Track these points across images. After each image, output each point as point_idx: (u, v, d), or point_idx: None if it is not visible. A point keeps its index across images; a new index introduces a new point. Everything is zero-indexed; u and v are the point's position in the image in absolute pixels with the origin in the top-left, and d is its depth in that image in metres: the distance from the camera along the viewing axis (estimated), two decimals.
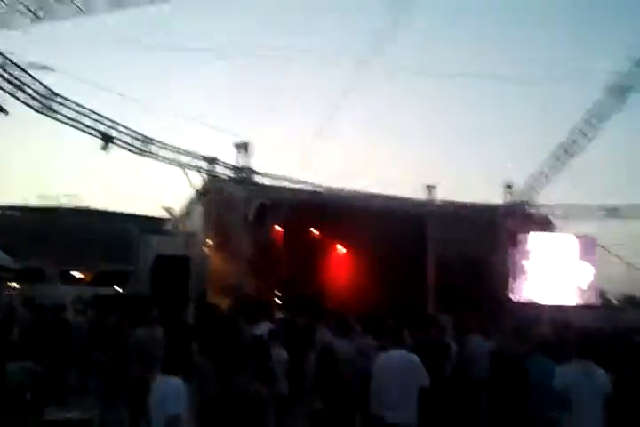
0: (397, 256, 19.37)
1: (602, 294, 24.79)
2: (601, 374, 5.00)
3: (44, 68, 9.65)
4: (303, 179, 18.33)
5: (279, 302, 17.59)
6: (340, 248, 22.09)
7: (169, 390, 4.24)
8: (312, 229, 20.96)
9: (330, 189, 19.31)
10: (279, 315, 12.92)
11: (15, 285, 19.61)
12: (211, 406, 4.48)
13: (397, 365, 5.93)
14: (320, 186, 19.06)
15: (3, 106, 9.22)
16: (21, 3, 9.57)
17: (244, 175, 17.03)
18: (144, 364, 7.45)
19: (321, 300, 18.73)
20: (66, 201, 40.71)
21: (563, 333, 10.87)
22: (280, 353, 7.54)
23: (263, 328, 8.91)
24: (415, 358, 6.06)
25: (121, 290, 25.29)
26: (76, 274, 31.16)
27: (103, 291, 22.52)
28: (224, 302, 15.76)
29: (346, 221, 19.69)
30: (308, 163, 14.67)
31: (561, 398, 4.87)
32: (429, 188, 22.71)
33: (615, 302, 39.87)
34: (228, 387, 4.35)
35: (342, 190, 20.02)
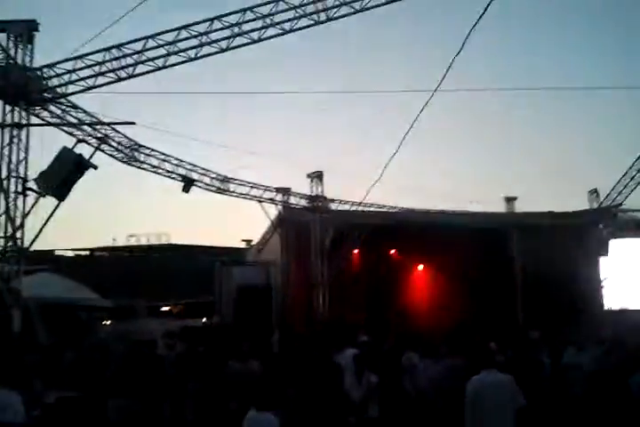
0: (482, 272, 18.96)
1: None
2: None
3: (127, 123, 10.37)
4: (377, 202, 18.41)
5: (362, 325, 17.52)
6: (421, 268, 21.85)
7: None
8: (390, 250, 20.90)
9: (405, 210, 19.27)
10: (363, 338, 12.87)
11: (108, 322, 20.48)
12: None
13: (492, 387, 5.80)
14: (395, 207, 19.07)
15: (92, 162, 10.00)
16: (104, 65, 10.36)
17: (318, 204, 17.34)
18: (240, 397, 7.64)
19: (404, 321, 18.55)
20: (153, 239, 42.67)
21: None
22: (369, 377, 7.56)
23: (348, 354, 8.93)
24: (509, 378, 5.90)
25: (206, 321, 26.08)
26: (164, 308, 32.37)
27: (190, 323, 23.33)
28: (307, 329, 15.93)
29: (424, 240, 19.46)
30: (381, 187, 14.78)
31: None
32: (509, 200, 22.22)
33: None
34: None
35: (418, 210, 19.89)
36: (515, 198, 22.49)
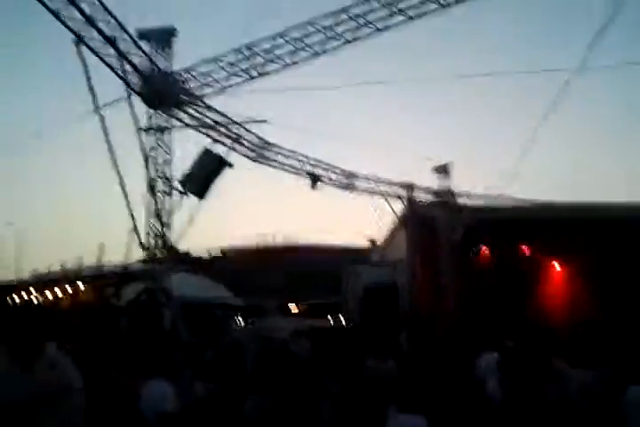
0: (627, 271, 17.41)
1: None
2: None
3: (259, 121, 10.65)
4: (507, 195, 17.55)
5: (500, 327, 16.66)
6: (557, 265, 20.48)
7: None
8: (522, 247, 19.79)
9: (539, 203, 18.19)
10: (509, 343, 12.25)
11: (240, 320, 21.21)
12: None
13: None
14: (527, 201, 18.07)
15: (227, 160, 10.40)
16: (236, 66, 10.72)
17: (445, 199, 16.83)
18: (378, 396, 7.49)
19: (540, 323, 17.45)
20: (280, 239, 43.98)
21: None
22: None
23: (488, 357, 8.61)
24: None
25: (332, 321, 26.30)
26: (292, 307, 33.16)
27: (316, 323, 23.62)
28: (437, 329, 15.45)
29: (562, 235, 18.19)
30: (512, 179, 14.04)
31: None
32: None
33: None
34: None
35: (553, 203, 18.72)
36: None
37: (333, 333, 19.43)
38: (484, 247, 17.94)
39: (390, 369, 7.97)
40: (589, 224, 17.22)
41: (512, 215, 17.50)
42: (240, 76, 10.86)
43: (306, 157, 14.18)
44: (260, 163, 13.57)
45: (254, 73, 10.76)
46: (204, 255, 42.31)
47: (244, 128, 12.59)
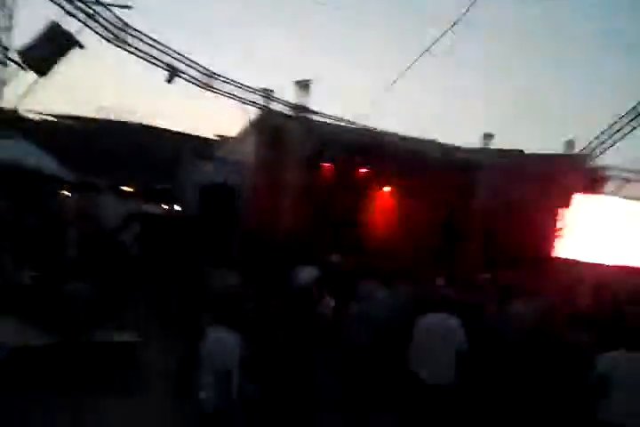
0: (444, 204, 19.31)
1: None
2: None
3: (121, 6, 9.72)
4: (359, 122, 18.22)
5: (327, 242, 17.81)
6: (389, 190, 22.14)
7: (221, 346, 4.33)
8: (363, 169, 20.97)
9: (385, 133, 19.16)
10: (334, 258, 13.07)
11: (69, 195, 20.14)
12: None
13: (439, 331, 6.16)
14: (375, 129, 18.93)
15: (77, 39, 9.45)
16: None
17: (301, 113, 17.03)
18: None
19: (365, 243, 19.03)
20: (125, 116, 41.35)
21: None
22: (328, 301, 7.89)
23: (310, 272, 9.18)
24: (456, 322, 6.23)
25: (166, 207, 26.19)
26: (126, 189, 32.14)
27: (151, 208, 23.36)
28: (270, 239, 16.13)
29: (399, 163, 19.63)
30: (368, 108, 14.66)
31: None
32: (487, 136, 22.31)
33: None
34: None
35: (397, 134, 19.85)
36: (492, 136, 22.60)
37: (169, 221, 19.45)
38: (328, 165, 18.76)
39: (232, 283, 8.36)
40: (425, 157, 18.82)
41: (360, 139, 18.27)
42: None
43: (168, 47, 13.44)
44: (116, 46, 12.59)
45: None
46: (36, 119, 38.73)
47: (103, 4, 11.48)
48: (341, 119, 18.07)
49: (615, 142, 20.00)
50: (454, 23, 8.36)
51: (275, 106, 17.07)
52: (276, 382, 5.19)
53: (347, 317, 7.58)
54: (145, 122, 41.63)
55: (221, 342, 4.44)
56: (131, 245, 14.39)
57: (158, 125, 41.25)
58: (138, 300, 10.77)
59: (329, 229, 19.09)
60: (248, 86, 15.97)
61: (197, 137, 41.64)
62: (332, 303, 7.91)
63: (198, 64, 14.19)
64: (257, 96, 16.52)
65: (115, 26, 12.00)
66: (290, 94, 17.55)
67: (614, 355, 4.99)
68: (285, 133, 17.75)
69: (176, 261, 10.57)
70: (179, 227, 16.81)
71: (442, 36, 8.46)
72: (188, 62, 13.99)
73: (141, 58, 12.81)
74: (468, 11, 8.10)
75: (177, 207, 25.83)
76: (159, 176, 32.13)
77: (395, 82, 11.54)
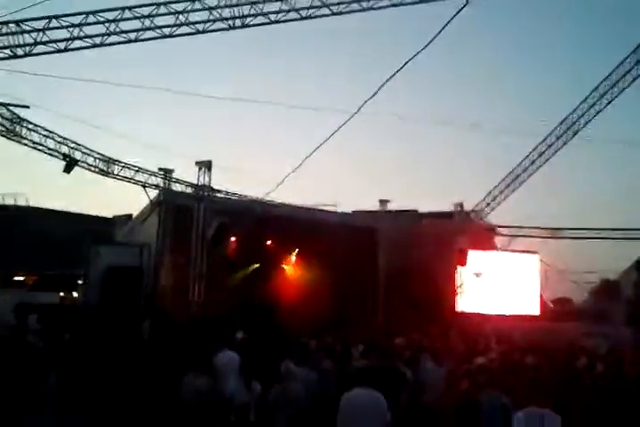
0: (348, 270, 19.90)
1: (541, 299, 26.31)
2: None
3: (21, 106, 9.73)
4: (260, 197, 18.80)
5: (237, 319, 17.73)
6: (294, 260, 22.59)
7: None
8: (268, 242, 21.35)
9: (287, 206, 19.80)
10: (240, 335, 13.09)
11: None
12: None
13: (363, 406, 6.31)
14: (278, 203, 19.55)
15: None
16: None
17: (204, 193, 17.33)
18: None
19: (275, 313, 19.15)
20: (9, 200, 39.40)
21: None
22: (255, 385, 7.88)
23: (229, 357, 9.04)
24: (381, 398, 6.43)
25: (63, 295, 24.86)
26: (19, 278, 30.09)
27: (45, 297, 22.09)
28: (182, 319, 15.89)
29: (299, 233, 20.24)
30: (267, 183, 15.36)
31: None
32: (383, 202, 23.51)
33: (550, 304, 42.28)
34: None
35: (299, 207, 20.56)
36: (388, 201, 23.85)
37: (65, 311, 18.56)
38: (233, 240, 18.99)
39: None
40: (323, 226, 19.55)
41: (260, 214, 18.73)
42: (2, 52, 9.83)
43: (64, 138, 13.40)
44: (10, 139, 12.44)
45: (20, 52, 9.86)
46: None
47: (3, 104, 11.40)
48: (244, 196, 18.56)
49: (500, 203, 21.82)
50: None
51: (177, 186, 17.30)
52: None
53: (271, 401, 7.55)
54: (39, 205, 39.88)
55: None
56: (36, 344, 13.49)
57: (54, 208, 39.57)
58: None
59: (236, 301, 19.12)
60: (146, 169, 16.16)
61: (97, 218, 40.46)
62: (259, 388, 7.87)
63: (96, 152, 14.26)
64: (158, 178, 16.71)
65: (5, 118, 11.91)
66: (191, 175, 17.86)
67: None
68: (188, 212, 17.89)
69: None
70: (81, 318, 16.05)
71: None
72: (85, 151, 14.03)
73: (38, 150, 12.73)
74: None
75: (75, 294, 24.69)
76: (53, 263, 30.49)
77: (300, 165, 12.32)
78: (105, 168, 14.83)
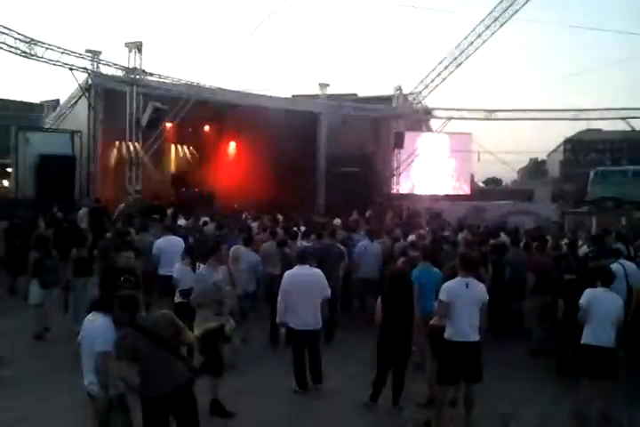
0: (289, 153, 19.94)
1: (472, 179, 27.54)
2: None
3: None
4: (196, 80, 18.09)
5: (170, 200, 17.72)
6: (233, 145, 22.42)
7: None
8: (206, 127, 21.00)
9: (224, 91, 19.20)
10: (181, 221, 13.12)
11: None
12: None
13: (304, 282, 6.77)
14: (216, 87, 18.90)
15: None
16: None
17: (135, 76, 16.50)
18: None
19: (215, 198, 19.32)
20: None
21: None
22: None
23: (171, 241, 9.15)
24: (319, 273, 6.90)
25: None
26: None
27: None
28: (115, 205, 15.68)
29: (239, 118, 19.90)
30: (204, 66, 14.68)
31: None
32: (322, 85, 23.13)
33: (481, 184, 44.29)
34: None
35: (238, 91, 19.98)
36: (327, 85, 23.50)
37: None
38: (169, 125, 18.55)
39: None
40: (265, 111, 19.23)
41: (200, 97, 18.16)
42: None
43: None
44: None
45: None
46: None
47: None
48: (180, 80, 17.82)
49: (437, 85, 21.81)
50: None
51: (107, 70, 16.36)
52: None
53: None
54: None
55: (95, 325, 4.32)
56: None
57: None
58: None
59: (179, 191, 19.13)
60: (73, 51, 15.11)
61: (22, 103, 38.24)
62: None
63: (16, 31, 13.13)
64: (86, 61, 15.71)
65: None
66: (122, 57, 16.85)
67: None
68: (120, 97, 17.16)
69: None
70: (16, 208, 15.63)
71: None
72: (4, 30, 12.87)
73: None
74: None
75: (6, 183, 23.94)
76: None
77: (242, 43, 11.72)
78: (27, 50, 13.77)
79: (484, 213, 18.55)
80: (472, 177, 27.20)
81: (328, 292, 6.71)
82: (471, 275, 5.56)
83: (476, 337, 5.39)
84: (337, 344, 8.09)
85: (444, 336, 5.45)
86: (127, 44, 16.22)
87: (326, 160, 22.09)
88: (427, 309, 6.30)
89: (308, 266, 6.75)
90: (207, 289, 6.03)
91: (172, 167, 21.20)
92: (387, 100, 23.49)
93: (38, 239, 8.80)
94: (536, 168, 66.33)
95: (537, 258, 8.54)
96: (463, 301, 5.42)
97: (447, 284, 5.59)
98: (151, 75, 16.95)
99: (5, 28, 13.02)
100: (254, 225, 12.26)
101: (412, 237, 10.22)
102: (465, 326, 5.38)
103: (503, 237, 10.94)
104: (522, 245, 9.57)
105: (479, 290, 5.55)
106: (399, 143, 21.71)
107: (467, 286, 5.47)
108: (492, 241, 9.99)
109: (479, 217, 17.57)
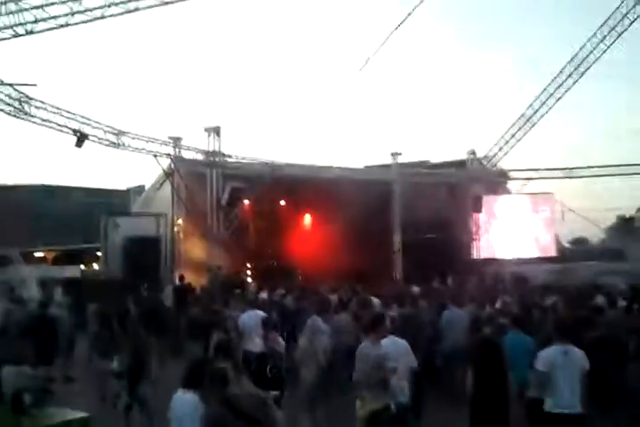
0: (364, 223, 19.99)
1: (557, 240, 26.46)
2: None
3: (28, 84, 9.75)
4: (271, 158, 18.84)
5: (250, 274, 18.00)
6: (308, 218, 22.77)
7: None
8: (281, 201, 21.45)
9: (300, 166, 19.83)
10: (262, 294, 13.31)
11: None
12: None
13: (391, 351, 6.59)
14: (290, 164, 19.58)
15: None
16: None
17: (215, 159, 17.39)
18: None
19: (293, 270, 19.48)
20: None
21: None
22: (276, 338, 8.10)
23: (254, 315, 9.24)
24: (405, 343, 6.71)
25: (84, 269, 25.27)
26: (40, 254, 30.45)
27: (70, 271, 22.45)
28: (199, 281, 16.10)
29: (315, 191, 20.32)
30: (278, 144, 15.37)
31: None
32: (394, 155, 23.43)
33: (567, 244, 42.43)
34: None
35: (312, 166, 20.57)
36: (399, 154, 23.76)
37: (91, 284, 18.87)
38: (247, 203, 19.18)
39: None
40: (340, 182, 19.58)
41: (276, 174, 18.75)
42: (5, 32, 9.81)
43: (72, 113, 13.46)
44: (20, 118, 12.50)
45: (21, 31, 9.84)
46: None
47: (10, 84, 11.41)
48: (256, 159, 18.58)
49: (512, 147, 21.67)
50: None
51: (188, 154, 17.34)
52: None
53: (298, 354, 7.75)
54: (51, 183, 40.20)
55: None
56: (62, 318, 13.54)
57: (67, 185, 39.93)
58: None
59: (253, 262, 19.38)
60: (156, 138, 16.17)
61: (111, 191, 40.70)
62: (281, 340, 8.07)
63: (105, 124, 14.28)
64: (169, 147, 16.73)
65: (14, 98, 11.95)
66: (201, 141, 17.85)
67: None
68: (201, 179, 18.00)
69: None
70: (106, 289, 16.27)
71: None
72: (95, 124, 14.05)
73: (47, 126, 12.78)
74: None
75: (96, 266, 25.07)
76: (70, 237, 30.78)
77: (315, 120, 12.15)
78: (115, 141, 14.89)
79: (572, 275, 17.70)
80: (556, 238, 26.15)
81: (415, 362, 6.51)
82: (568, 342, 5.27)
83: (579, 409, 5.01)
84: (425, 419, 7.66)
85: (543, 408, 5.11)
86: (206, 129, 17.25)
87: (402, 228, 22.00)
88: (522, 379, 5.96)
89: (394, 337, 6.61)
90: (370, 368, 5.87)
91: (251, 242, 21.65)
92: (460, 164, 23.44)
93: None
94: (625, 225, 63.10)
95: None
96: (563, 370, 5.12)
97: (544, 352, 5.30)
98: (229, 156, 17.81)
99: (96, 122, 14.22)
100: (333, 298, 12.18)
101: (497, 304, 9.87)
102: (566, 397, 5.04)
103: (599, 298, 10.35)
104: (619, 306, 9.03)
105: (579, 358, 5.22)
106: (477, 207, 21.40)
107: (565, 354, 5.17)
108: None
109: (567, 279, 16.77)
